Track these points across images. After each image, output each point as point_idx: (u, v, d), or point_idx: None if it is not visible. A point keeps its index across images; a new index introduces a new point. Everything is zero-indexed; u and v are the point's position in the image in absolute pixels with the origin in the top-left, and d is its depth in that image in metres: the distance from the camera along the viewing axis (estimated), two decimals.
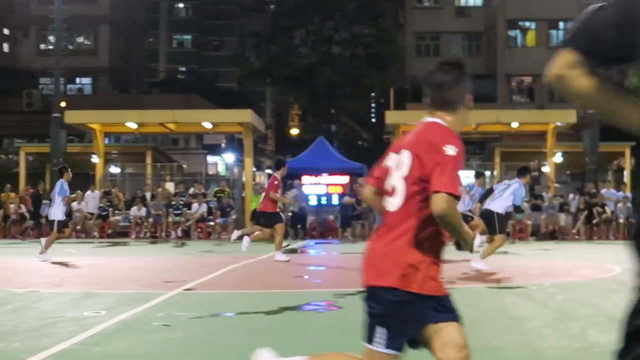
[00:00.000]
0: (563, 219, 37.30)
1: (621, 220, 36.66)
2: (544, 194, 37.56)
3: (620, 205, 37.12)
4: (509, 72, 64.37)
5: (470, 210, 23.95)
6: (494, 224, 19.11)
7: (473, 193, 25.61)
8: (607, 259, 20.87)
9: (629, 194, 38.50)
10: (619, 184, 41.46)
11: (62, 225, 22.84)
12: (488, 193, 20.87)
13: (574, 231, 36.26)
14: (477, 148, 56.89)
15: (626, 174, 43.17)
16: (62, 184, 22.40)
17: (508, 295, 13.40)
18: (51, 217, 22.80)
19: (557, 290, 14.10)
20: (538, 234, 36.01)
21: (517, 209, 19.89)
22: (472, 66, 65.38)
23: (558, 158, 42.50)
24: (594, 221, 36.39)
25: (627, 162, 43.49)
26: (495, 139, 46.66)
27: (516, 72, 64.51)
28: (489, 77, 64.93)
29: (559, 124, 39.39)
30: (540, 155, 40.88)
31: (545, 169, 40.82)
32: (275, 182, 21.99)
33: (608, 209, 36.68)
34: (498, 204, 19.23)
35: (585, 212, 36.50)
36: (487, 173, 46.64)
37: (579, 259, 21.49)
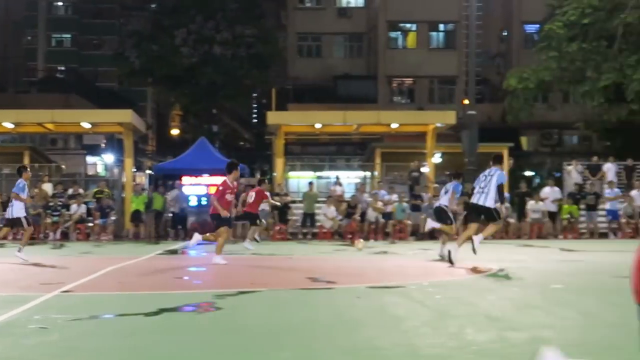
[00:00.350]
0: None
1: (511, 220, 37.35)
2: (423, 194, 37.93)
3: (498, 205, 37.78)
4: (390, 73, 65.02)
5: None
6: (493, 216, 20.86)
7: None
8: (485, 258, 21.22)
9: (507, 195, 39.25)
10: None
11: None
12: (469, 192, 21.88)
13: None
14: (358, 149, 57.32)
15: (505, 174, 43.91)
16: (19, 183, 22.80)
17: (387, 295, 13.52)
18: (16, 215, 22.94)
19: (435, 289, 14.28)
20: (418, 234, 36.36)
21: (500, 188, 21.13)
22: (353, 67, 66.26)
23: (437, 159, 43.04)
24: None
25: (506, 163, 44.23)
26: (375, 140, 47.01)
27: (397, 74, 65.20)
28: (370, 78, 65.53)
29: (438, 124, 39.87)
30: (420, 156, 41.29)
31: (425, 169, 41.27)
32: (220, 188, 21.48)
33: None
34: (491, 199, 20.73)
35: (464, 213, 37.00)
36: (368, 174, 47.06)
37: (457, 259, 21.76)
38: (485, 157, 43.84)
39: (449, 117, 39.66)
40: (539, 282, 15.45)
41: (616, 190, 38.89)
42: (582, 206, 38.41)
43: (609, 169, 41.40)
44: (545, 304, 11.99)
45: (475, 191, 21.00)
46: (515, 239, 36.02)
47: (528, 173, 59.79)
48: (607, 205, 38.34)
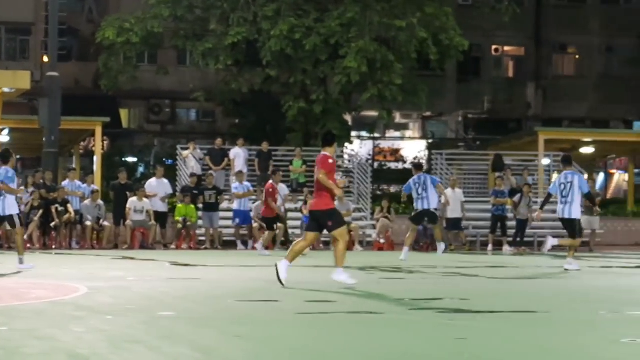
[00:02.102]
0: None
1: (89, 223, 37.30)
2: None
3: (87, 203, 37.78)
4: None
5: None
6: (575, 230, 25.05)
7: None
8: (69, 275, 21.23)
9: (96, 187, 39.37)
10: (87, 174, 42.25)
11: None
12: (547, 199, 26.31)
13: (25, 237, 36.24)
14: None
15: (97, 160, 44.03)
16: (7, 171, 23.29)
17: None
18: (7, 212, 23.39)
19: None
20: None
21: (589, 195, 25.92)
22: None
23: (4, 137, 42.56)
24: (53, 224, 36.75)
25: (98, 145, 44.37)
26: None
27: None
28: None
29: (5, 90, 39.42)
30: None
31: None
32: (330, 161, 19.03)
33: (71, 208, 37.17)
34: (577, 209, 24.89)
35: (41, 212, 36.74)
36: None
37: (30, 276, 21.61)
38: (72, 135, 44.05)
39: (20, 80, 39.29)
40: (142, 308, 15.60)
41: (246, 184, 39.83)
42: (201, 205, 39.10)
43: (238, 155, 42.37)
44: (149, 338, 12.10)
45: (559, 201, 24.89)
46: (112, 248, 36.30)
47: (130, 159, 60.26)
48: (234, 205, 39.19)
